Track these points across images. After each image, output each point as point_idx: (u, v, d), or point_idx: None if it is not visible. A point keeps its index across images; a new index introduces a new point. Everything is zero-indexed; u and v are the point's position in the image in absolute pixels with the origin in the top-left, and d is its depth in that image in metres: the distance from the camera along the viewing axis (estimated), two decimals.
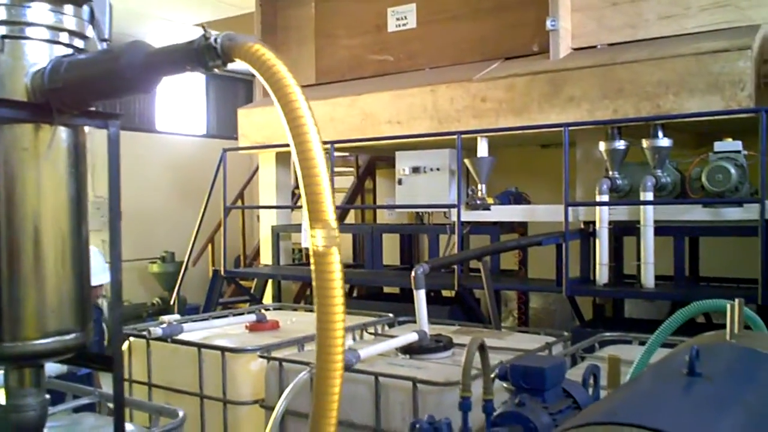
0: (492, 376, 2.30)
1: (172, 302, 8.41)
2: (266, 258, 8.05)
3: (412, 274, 4.15)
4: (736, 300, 1.83)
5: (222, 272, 7.54)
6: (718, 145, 5.36)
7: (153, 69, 1.71)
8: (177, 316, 4.97)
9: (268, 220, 8.03)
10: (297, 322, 5.16)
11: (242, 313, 5.42)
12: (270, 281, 7.76)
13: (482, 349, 2.24)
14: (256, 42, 1.61)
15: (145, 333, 4.54)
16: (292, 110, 1.55)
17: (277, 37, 8.42)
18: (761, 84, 5.33)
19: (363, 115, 6.98)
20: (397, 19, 7.49)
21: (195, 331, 4.72)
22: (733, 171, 5.13)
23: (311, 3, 8.15)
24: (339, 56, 7.97)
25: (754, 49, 5.22)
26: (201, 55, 1.65)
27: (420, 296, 4.09)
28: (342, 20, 7.94)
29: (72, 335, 1.94)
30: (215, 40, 1.63)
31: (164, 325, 4.55)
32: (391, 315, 5.08)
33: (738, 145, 5.31)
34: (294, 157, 1.58)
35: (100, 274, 4.14)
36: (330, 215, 1.55)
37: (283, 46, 8.41)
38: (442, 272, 6.38)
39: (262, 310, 5.50)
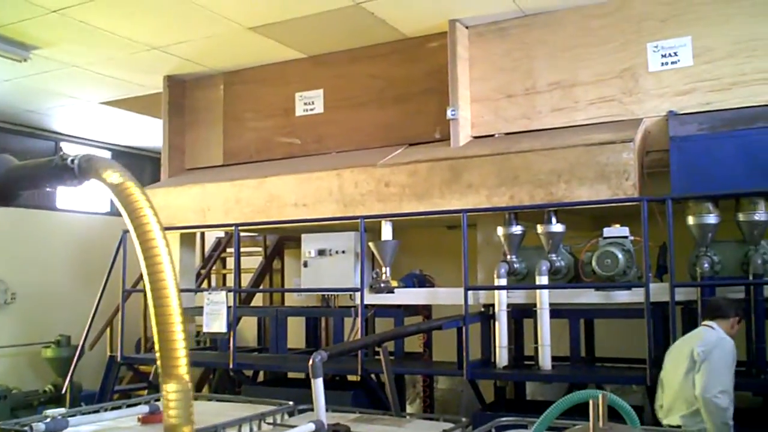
0: None
1: (64, 390, 7.95)
2: None
3: (310, 362, 4.10)
4: (600, 394, 1.90)
5: (118, 358, 7.23)
6: (606, 231, 5.64)
7: (12, 183, 1.71)
8: (63, 410, 4.69)
9: None
10: (194, 413, 4.95)
11: (138, 404, 5.17)
12: None
13: None
14: (112, 164, 1.65)
15: (26, 429, 4.25)
16: (143, 233, 1.58)
17: (184, 118, 8.42)
18: (644, 174, 5.69)
19: (269, 197, 6.99)
20: (305, 104, 7.64)
21: (82, 425, 4.47)
22: (620, 256, 5.40)
23: (220, 85, 8.23)
24: (247, 138, 8.02)
25: (636, 142, 5.59)
26: (58, 174, 1.67)
27: (318, 385, 4.03)
28: (250, 103, 8.03)
29: None
30: (72, 161, 1.65)
31: (48, 420, 4.28)
32: (291, 403, 4.96)
33: (625, 231, 5.61)
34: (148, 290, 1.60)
35: None
36: (184, 369, 1.55)
37: (191, 127, 8.41)
38: (347, 356, 6.34)
39: (161, 399, 5.26)
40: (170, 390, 1.52)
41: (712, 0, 5.91)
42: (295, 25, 6.70)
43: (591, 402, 1.84)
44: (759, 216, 5.17)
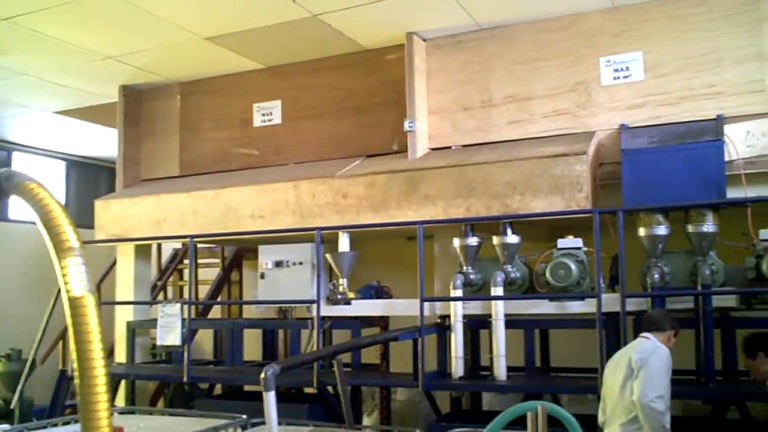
0: None
1: (13, 405, 7.74)
2: (120, 356, 7.64)
3: (262, 375, 4.06)
4: (539, 406, 1.91)
5: (70, 371, 7.07)
6: (561, 242, 5.72)
7: None
8: (7, 426, 4.58)
9: (123, 316, 7.68)
10: (145, 428, 4.87)
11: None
12: (123, 381, 7.34)
13: None
14: (33, 180, 1.63)
15: None
16: (62, 250, 1.56)
17: (140, 128, 8.31)
18: (597, 186, 5.78)
19: (226, 209, 6.93)
20: (263, 115, 7.60)
21: None
22: (573, 267, 5.47)
23: (176, 96, 8.14)
24: (204, 149, 7.95)
25: (589, 154, 5.67)
26: None
27: (270, 398, 3.99)
28: (208, 114, 7.96)
29: None
30: None
31: None
32: (244, 416, 4.90)
33: (578, 242, 5.69)
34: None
35: None
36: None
37: (147, 137, 8.31)
38: (303, 368, 6.30)
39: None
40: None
41: (661, 16, 6.05)
42: (252, 36, 6.68)
43: (529, 414, 1.85)
44: (707, 227, 5.29)
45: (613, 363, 4.63)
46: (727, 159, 5.36)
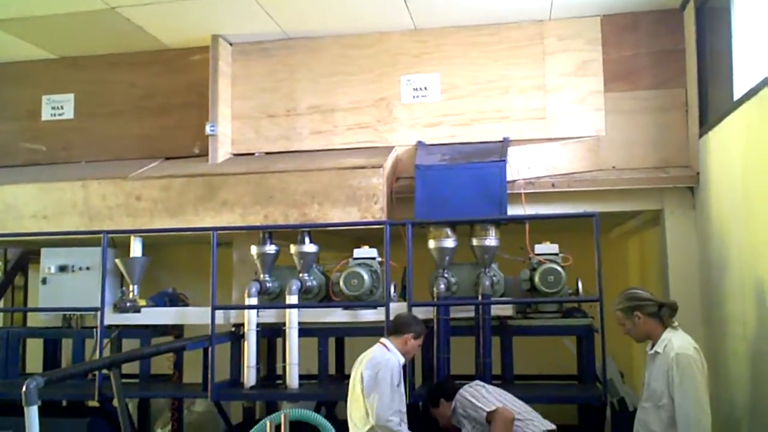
0: None
1: None
2: None
3: (23, 388, 3.75)
4: (282, 413, 1.92)
5: None
6: (356, 252, 5.84)
7: None
8: None
9: None
10: None
11: None
12: None
13: None
14: None
15: None
16: None
17: None
18: (393, 199, 5.98)
19: (5, 207, 6.34)
20: (53, 108, 7.09)
21: None
22: (366, 276, 5.60)
23: None
24: None
25: (386, 168, 5.86)
26: None
27: (31, 413, 3.70)
28: None
29: None
30: None
31: None
32: None
33: (373, 252, 5.84)
34: None
35: None
36: None
37: None
38: (86, 379, 5.93)
39: None
40: None
41: (458, 42, 6.43)
42: (41, 23, 6.20)
43: (268, 424, 1.85)
44: (489, 241, 5.63)
45: (356, 363, 4.78)
46: (509, 179, 5.77)
